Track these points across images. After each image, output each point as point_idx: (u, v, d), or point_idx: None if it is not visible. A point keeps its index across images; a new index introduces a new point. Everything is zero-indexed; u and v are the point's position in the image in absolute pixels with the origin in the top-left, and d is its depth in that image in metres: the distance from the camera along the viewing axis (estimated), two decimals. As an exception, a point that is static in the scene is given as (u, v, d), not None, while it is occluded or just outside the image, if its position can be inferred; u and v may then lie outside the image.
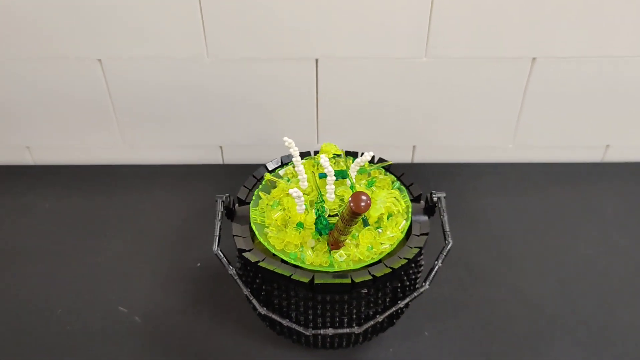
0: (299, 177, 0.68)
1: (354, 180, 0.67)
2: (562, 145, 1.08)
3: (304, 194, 0.66)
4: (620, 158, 1.10)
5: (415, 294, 0.65)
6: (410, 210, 0.67)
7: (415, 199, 0.71)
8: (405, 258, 0.62)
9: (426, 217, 0.69)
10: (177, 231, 0.94)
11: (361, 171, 0.71)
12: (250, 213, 0.67)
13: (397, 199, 0.67)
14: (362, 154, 0.69)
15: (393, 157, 1.11)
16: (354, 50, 0.95)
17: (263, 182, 0.73)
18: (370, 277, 0.60)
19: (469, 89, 1.00)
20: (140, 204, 1.00)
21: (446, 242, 0.66)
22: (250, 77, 0.98)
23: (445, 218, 0.67)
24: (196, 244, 0.91)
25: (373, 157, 0.73)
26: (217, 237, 0.67)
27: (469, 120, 1.04)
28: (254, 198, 0.70)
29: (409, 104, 1.02)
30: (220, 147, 1.10)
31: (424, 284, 0.65)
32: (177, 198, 1.02)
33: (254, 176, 0.74)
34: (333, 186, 0.66)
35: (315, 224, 0.64)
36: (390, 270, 0.61)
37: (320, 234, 0.65)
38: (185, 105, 1.02)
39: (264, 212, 0.68)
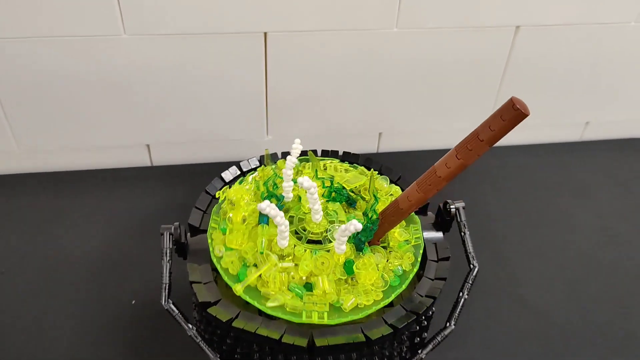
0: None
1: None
2: (542, 124, 0.97)
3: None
4: (597, 136, 1.01)
5: (439, 338, 0.50)
6: (419, 227, 0.52)
7: (420, 210, 0.55)
8: (429, 296, 0.47)
9: (440, 234, 0.54)
10: (99, 257, 0.73)
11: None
12: (210, 236, 0.50)
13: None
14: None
15: (356, 148, 0.96)
16: (311, 22, 0.77)
17: (221, 200, 0.54)
18: (390, 331, 0.44)
19: (445, 63, 0.85)
20: (46, 225, 0.78)
21: (471, 266, 0.52)
22: (182, 57, 0.78)
23: (468, 235, 0.52)
24: (127, 272, 0.71)
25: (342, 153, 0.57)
26: (166, 286, 0.48)
27: (443, 99, 0.90)
28: (212, 220, 0.52)
29: (376, 84, 0.86)
30: (147, 147, 0.88)
31: (447, 324, 0.50)
32: (97, 213, 0.80)
33: (207, 192, 0.55)
34: (319, 204, 0.49)
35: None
36: (414, 316, 0.45)
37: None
38: (98, 97, 0.80)
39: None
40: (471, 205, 0.82)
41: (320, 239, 0.49)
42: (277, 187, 0.53)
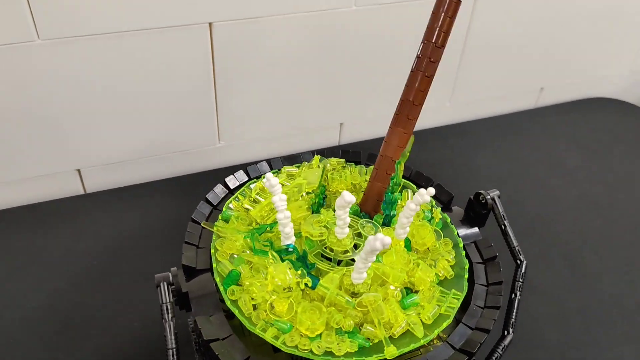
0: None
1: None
2: (499, 95, 0.94)
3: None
4: (552, 100, 1.00)
5: (500, 350, 0.43)
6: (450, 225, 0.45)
7: (444, 204, 0.48)
8: (491, 307, 0.40)
9: (475, 229, 0.47)
10: (48, 316, 0.60)
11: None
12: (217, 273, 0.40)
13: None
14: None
15: (316, 142, 0.87)
16: (263, 6, 0.67)
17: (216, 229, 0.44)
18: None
19: (404, 41, 0.78)
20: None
21: (518, 261, 0.45)
22: (111, 62, 0.65)
23: (509, 227, 0.45)
24: (85, 330, 0.58)
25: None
26: (174, 352, 0.37)
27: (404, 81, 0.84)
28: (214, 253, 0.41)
29: (334, 71, 0.78)
30: (78, 172, 0.74)
31: (505, 332, 0.43)
32: (27, 258, 0.65)
33: (195, 221, 0.45)
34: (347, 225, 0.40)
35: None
36: (485, 335, 0.38)
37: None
38: (12, 117, 0.65)
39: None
40: (450, 179, 0.77)
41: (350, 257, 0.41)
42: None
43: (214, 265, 0.40)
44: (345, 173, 0.49)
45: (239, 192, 0.47)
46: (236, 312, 0.37)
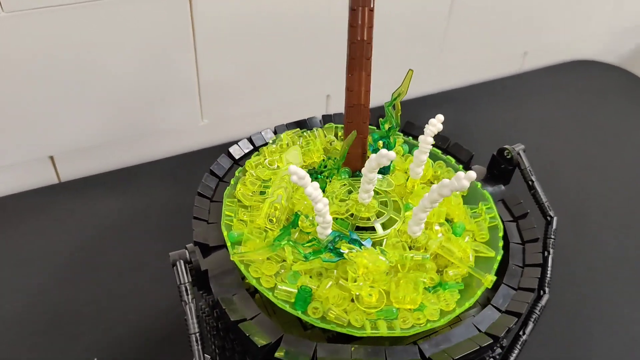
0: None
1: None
2: (484, 60, 0.92)
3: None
4: (536, 65, 0.99)
5: (537, 311, 0.40)
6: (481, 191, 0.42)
7: (464, 164, 0.45)
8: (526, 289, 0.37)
9: (501, 186, 0.44)
10: (33, 314, 0.55)
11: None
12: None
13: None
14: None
15: (304, 116, 0.83)
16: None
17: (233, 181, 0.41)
18: (476, 347, 0.33)
19: (390, 11, 0.75)
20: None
21: (548, 217, 0.43)
22: (83, 35, 0.59)
23: (537, 183, 0.43)
24: (75, 326, 0.54)
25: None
26: (197, 337, 0.33)
27: (392, 47, 0.81)
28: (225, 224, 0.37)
29: (319, 41, 0.74)
30: (51, 159, 0.69)
31: (541, 292, 0.41)
32: (2, 261, 0.60)
33: (213, 173, 0.41)
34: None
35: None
36: (508, 332, 0.35)
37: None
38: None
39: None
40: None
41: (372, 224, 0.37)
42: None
43: (230, 237, 0.36)
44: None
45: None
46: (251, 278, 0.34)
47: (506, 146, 0.43)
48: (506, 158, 0.44)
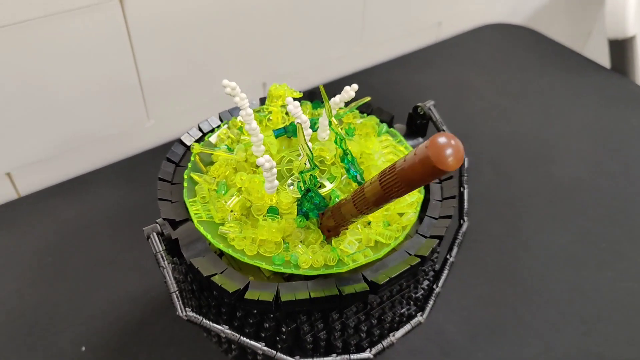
0: (253, 139, 0.44)
1: (337, 128, 0.45)
2: (402, 34, 1.00)
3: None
4: (451, 32, 1.07)
5: (460, 237, 0.48)
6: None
7: (388, 124, 0.52)
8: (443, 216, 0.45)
9: (419, 139, 0.52)
10: (19, 313, 0.59)
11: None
12: (192, 215, 0.42)
13: (395, 147, 0.48)
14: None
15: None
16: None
17: (190, 164, 0.46)
18: (407, 267, 0.40)
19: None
20: None
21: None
22: (22, 50, 0.63)
23: (446, 129, 0.51)
24: (56, 320, 0.58)
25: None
26: (177, 294, 0.39)
27: (315, 31, 0.87)
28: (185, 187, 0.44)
29: (251, 30, 0.79)
30: (8, 175, 0.72)
31: (461, 221, 0.49)
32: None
33: (170, 160, 0.47)
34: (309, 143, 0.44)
35: (300, 204, 0.42)
36: (433, 252, 0.43)
37: (307, 218, 0.43)
38: None
39: (207, 202, 0.43)
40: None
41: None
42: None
43: (191, 213, 0.42)
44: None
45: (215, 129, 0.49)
46: (210, 237, 0.40)
47: (419, 103, 0.51)
48: (419, 114, 0.51)
